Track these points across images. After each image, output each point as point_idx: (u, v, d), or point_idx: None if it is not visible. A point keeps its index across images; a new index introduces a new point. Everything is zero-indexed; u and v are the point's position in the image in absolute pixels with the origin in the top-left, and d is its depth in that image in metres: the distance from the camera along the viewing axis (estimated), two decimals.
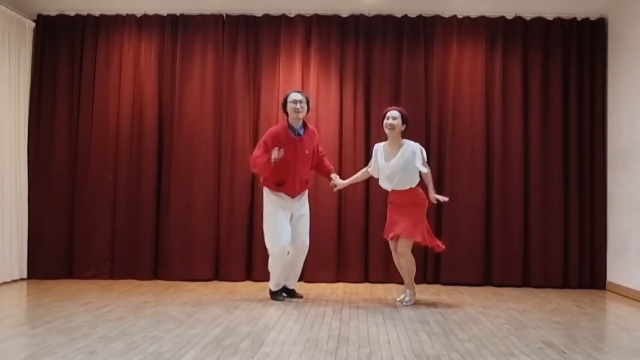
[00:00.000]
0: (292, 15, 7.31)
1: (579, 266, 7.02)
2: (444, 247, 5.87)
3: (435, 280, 7.08)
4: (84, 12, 7.34)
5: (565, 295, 6.48)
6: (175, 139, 7.21)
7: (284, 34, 7.27)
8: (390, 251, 5.88)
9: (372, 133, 7.04)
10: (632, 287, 6.36)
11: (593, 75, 7.16)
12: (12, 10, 6.86)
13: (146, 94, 7.25)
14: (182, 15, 7.34)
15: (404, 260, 5.70)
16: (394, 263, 5.95)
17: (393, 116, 5.65)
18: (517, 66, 7.18)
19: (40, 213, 7.13)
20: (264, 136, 5.87)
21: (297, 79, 7.14)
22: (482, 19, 7.24)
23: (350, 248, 7.13)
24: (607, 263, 6.99)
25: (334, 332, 4.54)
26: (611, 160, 7.00)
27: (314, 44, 7.27)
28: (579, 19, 7.19)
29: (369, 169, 5.93)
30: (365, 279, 7.11)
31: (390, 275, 6.78)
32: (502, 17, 7.22)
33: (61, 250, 7.14)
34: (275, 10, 7.31)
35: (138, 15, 7.34)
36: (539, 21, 7.21)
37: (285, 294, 5.95)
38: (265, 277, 6.56)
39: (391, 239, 5.74)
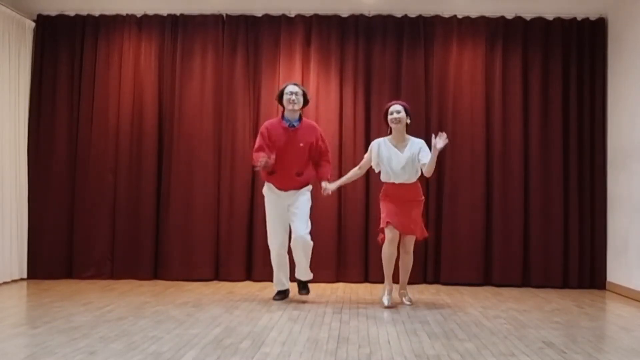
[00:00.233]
0: (292, 15, 7.31)
1: (579, 266, 7.02)
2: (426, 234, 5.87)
3: (435, 280, 7.08)
4: (84, 12, 7.34)
5: (565, 295, 6.48)
6: (175, 139, 7.21)
7: (284, 34, 7.27)
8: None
9: (372, 133, 7.04)
10: (632, 287, 6.36)
11: (593, 75, 7.16)
12: (12, 10, 6.86)
13: (146, 94, 7.26)
14: (182, 15, 7.34)
15: (410, 257, 5.72)
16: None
17: (397, 110, 5.65)
18: (517, 66, 7.18)
19: (40, 213, 7.12)
20: (261, 127, 5.95)
21: (297, 79, 7.12)
22: (482, 19, 7.24)
23: (350, 248, 7.13)
24: (607, 263, 6.99)
25: (334, 332, 4.54)
26: (611, 160, 7.00)
27: (314, 44, 7.27)
28: (579, 19, 7.20)
29: (372, 165, 5.80)
30: (365, 279, 7.11)
31: None
32: (502, 17, 7.22)
33: (61, 250, 7.13)
34: (275, 10, 7.31)
35: (138, 15, 7.34)
36: (539, 21, 7.21)
37: (280, 295, 5.93)
38: (265, 277, 6.57)
39: (407, 234, 5.67)
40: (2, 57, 6.72)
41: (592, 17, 7.20)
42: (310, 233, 5.72)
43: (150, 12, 7.34)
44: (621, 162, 6.74)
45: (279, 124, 5.76)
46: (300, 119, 5.83)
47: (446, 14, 7.26)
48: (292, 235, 5.72)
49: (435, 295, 6.37)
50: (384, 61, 7.24)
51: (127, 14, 7.34)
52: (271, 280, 6.05)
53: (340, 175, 6.36)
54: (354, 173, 5.99)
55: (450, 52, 7.23)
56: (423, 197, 5.80)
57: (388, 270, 5.66)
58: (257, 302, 5.76)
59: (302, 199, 5.75)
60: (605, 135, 7.11)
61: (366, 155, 5.88)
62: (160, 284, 6.85)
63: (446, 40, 7.24)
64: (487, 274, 7.07)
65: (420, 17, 7.26)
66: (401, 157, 5.62)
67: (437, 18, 7.25)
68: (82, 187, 7.18)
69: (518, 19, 7.22)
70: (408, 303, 5.72)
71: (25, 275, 7.01)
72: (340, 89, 7.26)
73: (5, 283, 6.63)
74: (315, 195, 5.93)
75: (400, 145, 5.67)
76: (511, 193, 7.09)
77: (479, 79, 7.20)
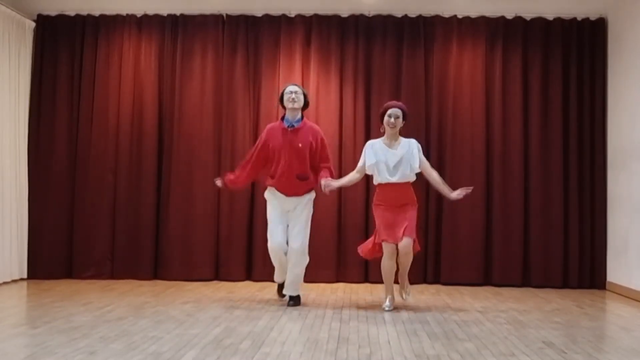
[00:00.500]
0: (292, 15, 7.31)
1: (579, 266, 7.03)
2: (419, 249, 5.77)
3: (435, 280, 7.08)
4: (84, 12, 7.34)
5: (565, 295, 6.48)
6: (175, 139, 7.21)
7: (284, 34, 7.27)
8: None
9: (372, 133, 7.02)
10: (632, 287, 6.36)
11: (593, 75, 7.16)
12: (12, 10, 6.86)
13: (146, 94, 7.26)
14: (182, 15, 7.34)
15: (409, 258, 5.58)
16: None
17: (397, 115, 5.63)
18: (517, 66, 7.18)
19: (40, 213, 7.13)
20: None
21: (297, 79, 7.13)
22: (482, 19, 7.24)
23: (350, 248, 7.10)
24: (607, 263, 6.99)
25: (334, 332, 4.54)
26: (611, 160, 7.00)
27: (314, 44, 7.27)
28: (579, 19, 7.20)
29: (366, 167, 5.70)
30: (365, 279, 7.11)
31: None
32: (502, 17, 7.23)
33: (61, 250, 7.14)
34: (275, 10, 7.31)
35: (138, 15, 7.34)
36: (539, 21, 7.21)
37: (294, 300, 5.76)
38: (265, 277, 6.56)
39: (405, 237, 5.52)
40: (2, 57, 6.72)
41: (592, 17, 7.20)
42: (306, 248, 5.62)
43: (150, 12, 7.34)
44: (621, 162, 6.74)
45: (279, 126, 5.75)
46: (301, 120, 5.81)
47: (446, 14, 7.26)
48: (288, 247, 5.61)
49: (435, 295, 6.37)
50: (384, 61, 7.25)
51: (127, 14, 7.34)
52: (271, 281, 6.04)
53: (340, 176, 6.34)
54: (353, 177, 5.89)
55: (450, 52, 7.23)
56: (417, 204, 5.66)
57: (388, 283, 5.59)
58: (257, 302, 5.76)
59: (304, 213, 5.66)
60: (605, 135, 7.11)
61: (361, 159, 5.80)
62: (160, 284, 6.85)
63: (446, 40, 7.24)
64: (487, 274, 7.07)
65: (420, 17, 7.26)
66: (396, 153, 5.62)
67: (437, 18, 7.25)
68: (82, 187, 7.18)
69: (518, 19, 7.22)
70: (406, 296, 5.71)
71: (25, 275, 7.01)
72: (340, 89, 7.26)
73: (5, 283, 6.63)
74: (316, 195, 5.90)
75: (393, 145, 5.67)
76: (511, 193, 7.09)
77: (479, 79, 7.20)
